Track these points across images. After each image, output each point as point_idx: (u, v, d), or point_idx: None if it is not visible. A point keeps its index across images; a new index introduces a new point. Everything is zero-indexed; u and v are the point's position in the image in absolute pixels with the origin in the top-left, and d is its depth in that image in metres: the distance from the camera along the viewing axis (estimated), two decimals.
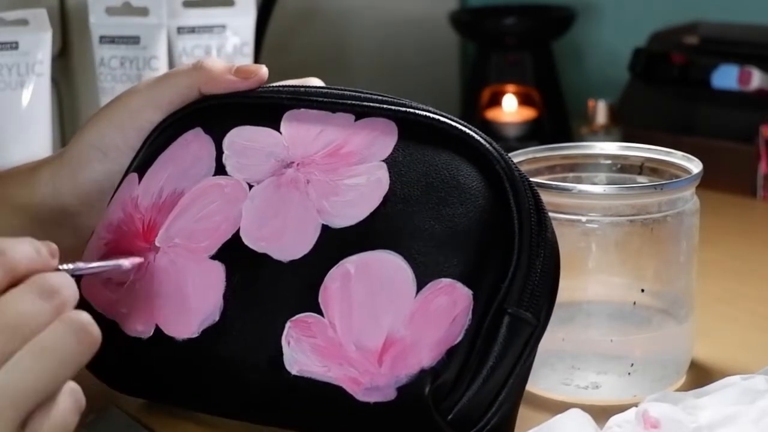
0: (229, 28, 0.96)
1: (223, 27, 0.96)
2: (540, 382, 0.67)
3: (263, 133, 0.61)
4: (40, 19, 0.88)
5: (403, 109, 0.60)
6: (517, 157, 0.70)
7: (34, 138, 0.88)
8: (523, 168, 0.69)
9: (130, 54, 0.93)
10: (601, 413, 0.58)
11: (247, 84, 0.63)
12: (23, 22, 0.87)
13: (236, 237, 0.59)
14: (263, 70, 0.63)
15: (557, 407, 0.61)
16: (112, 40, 0.94)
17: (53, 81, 0.93)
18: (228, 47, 0.96)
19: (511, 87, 1.23)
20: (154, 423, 0.63)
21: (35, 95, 0.87)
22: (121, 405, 0.65)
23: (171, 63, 0.95)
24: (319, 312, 0.56)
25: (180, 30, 0.95)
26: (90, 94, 1.00)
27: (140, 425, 0.64)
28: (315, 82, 0.67)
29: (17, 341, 0.47)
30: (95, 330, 0.49)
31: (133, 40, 0.94)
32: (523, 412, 0.60)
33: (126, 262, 0.59)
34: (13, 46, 0.86)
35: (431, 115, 0.59)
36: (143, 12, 0.94)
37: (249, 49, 0.97)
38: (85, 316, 0.48)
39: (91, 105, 0.99)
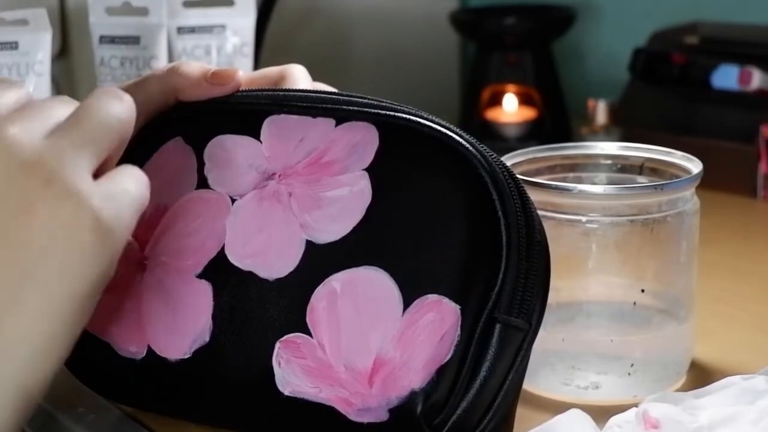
0: (229, 28, 0.96)
1: (223, 27, 0.96)
2: (540, 382, 0.67)
3: (243, 142, 0.60)
4: (40, 19, 0.88)
5: (384, 112, 0.58)
6: (517, 157, 0.70)
7: None
8: (523, 168, 0.70)
9: (130, 54, 0.93)
10: (601, 413, 0.58)
11: (224, 90, 0.62)
12: (23, 22, 0.87)
13: (221, 254, 0.59)
14: (239, 75, 0.62)
15: (557, 407, 0.61)
16: (112, 40, 0.94)
17: (53, 81, 0.93)
18: (228, 47, 0.96)
19: (511, 87, 1.23)
20: (153, 423, 0.63)
21: (35, 95, 0.87)
22: (121, 405, 0.65)
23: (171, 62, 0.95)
24: (308, 332, 0.56)
25: (180, 30, 0.95)
26: None
27: (140, 425, 0.64)
28: (297, 70, 0.66)
29: (56, 115, 0.51)
30: (128, 95, 0.53)
31: (133, 40, 0.93)
32: (523, 412, 0.60)
33: None
34: (13, 46, 0.86)
35: (412, 117, 0.58)
36: (143, 12, 0.94)
37: (249, 49, 0.97)
38: (114, 88, 0.54)
39: None
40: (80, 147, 0.50)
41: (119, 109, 0.52)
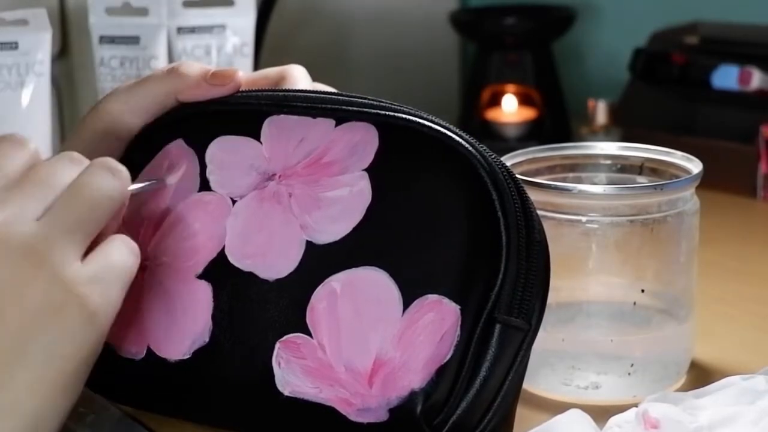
0: (229, 28, 0.96)
1: (223, 27, 0.96)
2: (540, 382, 0.67)
3: (244, 143, 0.60)
4: (40, 19, 0.87)
5: (383, 112, 0.58)
6: (517, 157, 0.70)
7: (34, 138, 0.87)
8: (523, 168, 0.70)
9: (130, 54, 0.93)
10: (601, 413, 0.58)
11: (224, 90, 0.62)
12: (23, 22, 0.87)
13: (222, 255, 0.59)
14: (239, 75, 0.62)
15: (557, 407, 0.61)
16: (111, 40, 0.94)
17: (53, 81, 0.93)
18: (228, 47, 0.96)
19: (511, 87, 1.23)
20: (153, 423, 0.63)
21: (35, 95, 0.87)
22: (121, 405, 0.65)
23: (171, 63, 0.95)
24: (308, 332, 0.56)
25: (180, 30, 0.95)
26: (90, 94, 1.00)
27: (140, 425, 0.64)
28: (297, 71, 0.66)
29: (54, 191, 0.52)
30: (123, 167, 0.54)
31: (133, 40, 0.93)
32: (523, 412, 0.60)
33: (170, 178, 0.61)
34: (13, 46, 0.86)
35: (412, 118, 0.58)
36: (143, 12, 0.94)
37: (249, 49, 0.97)
38: (111, 160, 0.54)
39: (91, 105, 0.99)
40: (70, 231, 0.52)
41: (112, 187, 0.53)
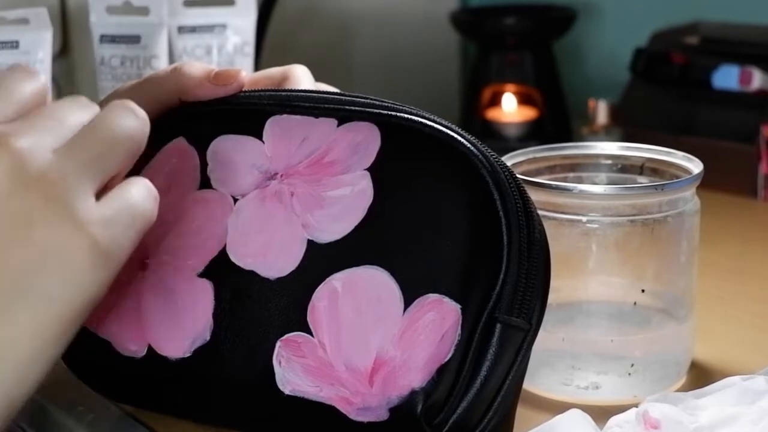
0: (229, 27, 0.96)
1: (223, 26, 0.96)
2: (540, 382, 0.67)
3: (246, 142, 0.60)
4: (40, 18, 0.87)
5: (386, 112, 0.58)
6: (517, 157, 0.70)
7: None
8: (523, 168, 0.70)
9: (130, 53, 0.93)
10: (601, 413, 0.58)
11: (227, 90, 0.62)
12: (24, 21, 0.87)
13: (223, 253, 0.59)
14: (242, 75, 0.62)
15: (557, 407, 0.61)
16: (112, 39, 0.94)
17: (54, 80, 0.93)
18: (228, 47, 0.96)
19: (511, 87, 1.23)
20: (153, 422, 0.63)
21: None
22: (121, 404, 0.65)
23: (172, 62, 0.95)
24: (309, 331, 0.56)
25: (181, 29, 0.95)
26: (90, 93, 0.99)
27: (140, 424, 0.64)
28: (300, 71, 0.66)
29: (68, 128, 0.51)
30: (142, 110, 0.53)
31: (134, 40, 0.93)
32: (523, 412, 0.60)
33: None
34: (14, 45, 0.86)
35: (414, 118, 0.58)
36: (144, 11, 0.94)
37: (249, 48, 0.97)
38: (130, 101, 0.53)
39: None
40: (86, 166, 0.50)
41: (132, 125, 0.52)
